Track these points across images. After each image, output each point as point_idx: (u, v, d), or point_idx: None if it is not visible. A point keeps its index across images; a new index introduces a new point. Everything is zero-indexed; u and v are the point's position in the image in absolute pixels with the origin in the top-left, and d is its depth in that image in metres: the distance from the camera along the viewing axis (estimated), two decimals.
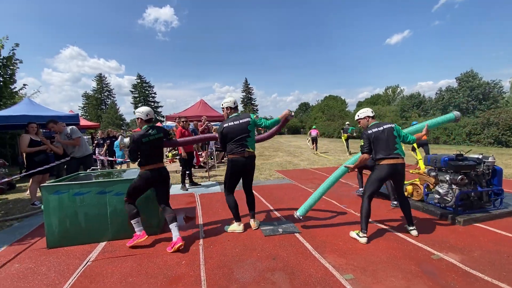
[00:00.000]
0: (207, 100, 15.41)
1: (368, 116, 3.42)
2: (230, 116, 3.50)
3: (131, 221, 3.06)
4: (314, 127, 15.52)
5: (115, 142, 8.85)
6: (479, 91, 31.94)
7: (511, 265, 2.51)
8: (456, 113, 3.70)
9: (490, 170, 3.88)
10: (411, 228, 3.26)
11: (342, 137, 14.07)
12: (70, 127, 5.16)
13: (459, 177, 3.64)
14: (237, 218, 3.49)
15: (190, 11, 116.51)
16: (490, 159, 3.87)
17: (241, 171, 3.44)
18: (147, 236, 3.09)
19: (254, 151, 3.45)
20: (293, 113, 3.69)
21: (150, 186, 3.17)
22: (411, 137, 3.35)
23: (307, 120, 58.00)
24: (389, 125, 3.24)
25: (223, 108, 3.59)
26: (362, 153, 3.26)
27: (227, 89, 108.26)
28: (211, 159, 9.88)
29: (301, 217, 3.56)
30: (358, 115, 3.51)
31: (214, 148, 10.01)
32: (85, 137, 7.00)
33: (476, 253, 2.76)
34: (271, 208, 4.45)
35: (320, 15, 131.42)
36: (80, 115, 10.56)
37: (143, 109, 3.21)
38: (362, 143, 3.27)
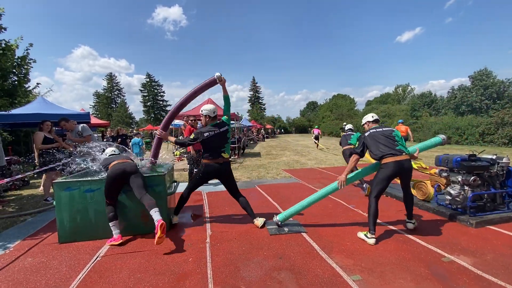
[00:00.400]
0: (214, 99, 15.46)
1: (368, 121, 3.56)
2: (209, 125, 3.57)
3: (109, 224, 3.12)
4: (316, 126, 17.65)
5: (133, 140, 9.30)
6: (493, 90, 31.01)
7: None
8: (442, 136, 3.70)
9: (505, 171, 3.76)
10: (408, 221, 3.34)
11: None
12: (81, 125, 5.27)
13: (472, 178, 3.55)
14: (177, 211, 3.70)
15: (199, 11, 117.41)
16: (504, 160, 3.75)
17: (213, 177, 3.59)
18: (121, 240, 3.12)
19: (229, 156, 3.59)
20: (220, 76, 3.63)
21: (120, 182, 3.14)
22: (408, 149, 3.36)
23: (315, 119, 57.68)
24: (388, 128, 3.36)
25: (202, 115, 3.63)
26: (354, 153, 3.32)
27: (235, 88, 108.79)
28: None
29: (279, 223, 3.49)
30: (362, 122, 3.71)
31: None
32: (95, 135, 7.13)
33: (489, 256, 2.68)
34: (278, 207, 4.44)
35: (329, 12, 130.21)
36: (91, 113, 10.76)
37: (108, 150, 3.68)
38: (356, 145, 3.32)
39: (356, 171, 3.53)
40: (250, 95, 66.35)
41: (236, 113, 14.35)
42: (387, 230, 3.38)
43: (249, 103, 65.31)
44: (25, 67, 5.70)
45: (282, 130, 60.36)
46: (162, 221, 2.86)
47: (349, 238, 3.17)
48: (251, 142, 22.70)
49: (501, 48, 79.82)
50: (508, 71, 77.98)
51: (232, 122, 16.24)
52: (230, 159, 3.67)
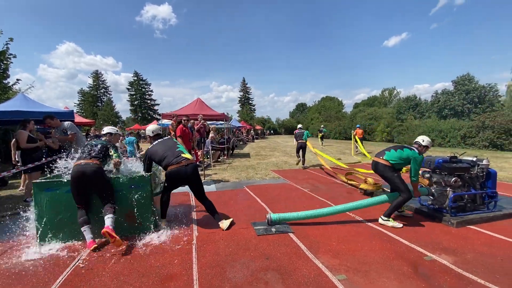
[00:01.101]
0: (204, 99, 15.33)
1: (419, 143, 3.79)
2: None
3: (81, 229, 2.99)
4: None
5: (127, 139, 9.44)
6: (474, 95, 32.19)
7: (504, 268, 2.52)
8: (430, 189, 3.93)
9: (484, 173, 3.90)
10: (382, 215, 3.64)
11: (318, 135, 20.41)
12: (67, 122, 5.09)
13: (453, 179, 3.66)
14: (163, 215, 3.62)
15: (189, 10, 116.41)
16: (484, 162, 3.89)
17: (181, 182, 3.54)
18: (95, 245, 2.92)
19: (191, 157, 3.57)
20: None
21: (82, 185, 3.02)
22: (415, 176, 3.57)
23: (304, 120, 58.15)
24: (409, 148, 3.66)
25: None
26: None
27: (224, 88, 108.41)
28: (207, 158, 9.84)
29: (271, 221, 3.52)
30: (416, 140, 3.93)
31: (210, 147, 9.97)
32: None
33: (469, 255, 2.77)
34: (266, 207, 4.43)
35: (319, 16, 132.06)
36: (75, 112, 10.44)
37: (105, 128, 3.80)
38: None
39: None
40: (240, 96, 66.26)
41: (226, 114, 14.28)
42: (372, 230, 3.44)
43: (239, 104, 65.23)
44: (5, 62, 5.49)
45: (272, 131, 60.64)
46: (105, 229, 2.81)
47: (336, 238, 3.20)
48: (241, 142, 22.65)
49: (484, 54, 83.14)
50: (491, 76, 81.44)
51: (221, 122, 16.21)
52: (197, 162, 3.67)
